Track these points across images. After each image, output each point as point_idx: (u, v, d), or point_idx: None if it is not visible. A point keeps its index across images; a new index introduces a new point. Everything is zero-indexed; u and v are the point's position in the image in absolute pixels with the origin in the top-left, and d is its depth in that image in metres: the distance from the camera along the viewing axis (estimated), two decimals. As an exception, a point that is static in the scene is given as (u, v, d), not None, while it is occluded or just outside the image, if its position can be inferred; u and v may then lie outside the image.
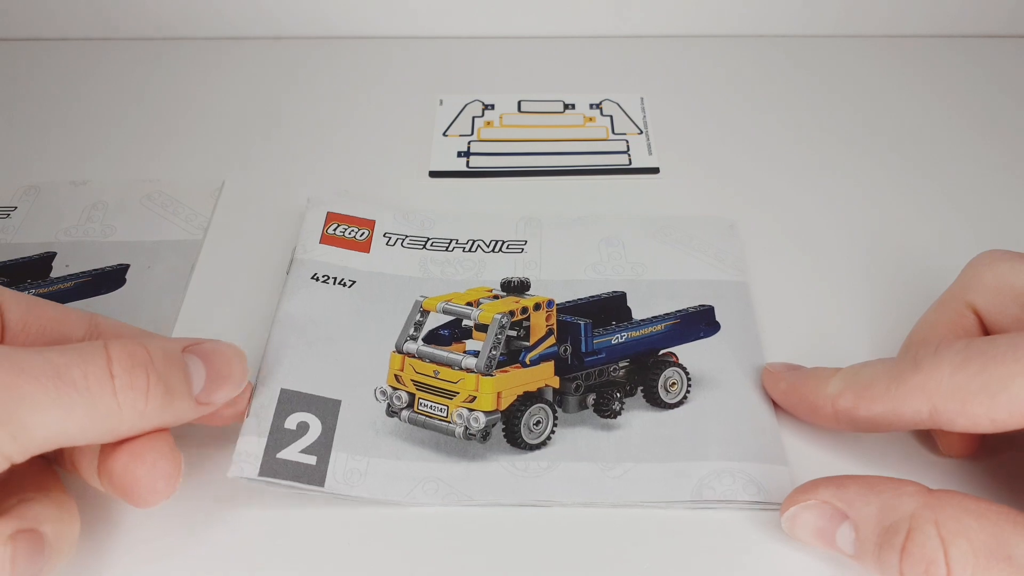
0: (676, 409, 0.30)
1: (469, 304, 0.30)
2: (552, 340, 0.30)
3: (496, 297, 0.31)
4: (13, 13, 0.45)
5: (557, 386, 0.30)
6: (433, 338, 0.31)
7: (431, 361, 0.29)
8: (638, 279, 0.34)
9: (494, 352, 0.29)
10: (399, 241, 0.35)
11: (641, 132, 0.41)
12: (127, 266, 0.34)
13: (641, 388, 0.30)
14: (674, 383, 0.30)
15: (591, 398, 0.30)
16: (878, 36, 0.48)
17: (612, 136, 0.40)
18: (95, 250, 0.35)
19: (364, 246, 0.34)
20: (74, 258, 0.34)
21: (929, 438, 0.29)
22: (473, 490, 0.27)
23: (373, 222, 0.35)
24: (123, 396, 0.22)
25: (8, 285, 0.32)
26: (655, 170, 0.39)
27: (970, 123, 0.42)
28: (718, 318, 0.32)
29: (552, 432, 0.29)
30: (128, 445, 0.24)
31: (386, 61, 0.45)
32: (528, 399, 0.29)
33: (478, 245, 0.35)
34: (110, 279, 0.33)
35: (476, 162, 0.39)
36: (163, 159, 0.39)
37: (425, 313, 0.30)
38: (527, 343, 0.30)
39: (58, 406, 0.21)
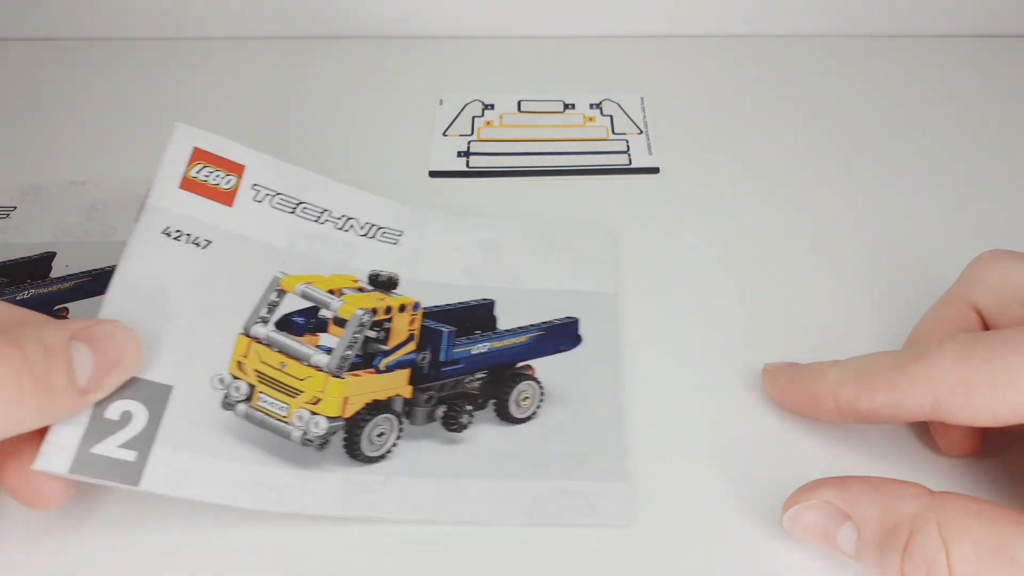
0: (524, 424, 0.29)
1: (331, 292, 0.28)
2: (412, 346, 0.29)
3: (361, 290, 0.29)
4: (12, 13, 0.45)
5: (409, 396, 0.28)
6: (286, 324, 0.28)
7: (280, 351, 0.27)
8: (510, 287, 0.32)
9: (349, 352, 0.27)
10: (268, 198, 0.31)
11: (641, 132, 0.41)
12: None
13: (493, 401, 0.29)
14: (527, 397, 0.29)
15: (441, 410, 0.29)
16: (878, 36, 0.47)
17: (612, 136, 0.40)
18: (96, 250, 0.34)
19: (228, 197, 0.30)
20: (74, 258, 0.34)
21: (929, 437, 0.29)
22: (303, 500, 0.26)
23: (243, 168, 0.31)
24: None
25: (7, 285, 0.32)
26: (655, 170, 0.39)
27: (970, 123, 0.42)
28: (584, 331, 0.31)
29: (394, 445, 0.28)
30: (13, 445, 0.23)
31: (386, 61, 0.45)
32: (376, 408, 0.27)
33: (352, 224, 0.32)
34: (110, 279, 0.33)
35: (476, 162, 0.39)
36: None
37: (282, 293, 0.28)
38: (385, 347, 0.28)
39: None
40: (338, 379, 0.27)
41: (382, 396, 0.27)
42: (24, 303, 0.30)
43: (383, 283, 0.30)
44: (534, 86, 0.43)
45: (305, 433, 0.26)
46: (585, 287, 0.33)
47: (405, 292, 0.30)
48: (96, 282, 0.32)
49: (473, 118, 0.41)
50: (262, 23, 0.45)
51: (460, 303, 0.31)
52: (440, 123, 0.41)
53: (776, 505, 0.25)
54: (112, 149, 0.40)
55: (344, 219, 0.32)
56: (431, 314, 0.30)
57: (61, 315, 0.30)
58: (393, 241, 0.32)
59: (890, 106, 0.43)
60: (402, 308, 0.28)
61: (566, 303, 0.32)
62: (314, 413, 0.26)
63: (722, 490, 0.27)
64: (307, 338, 0.28)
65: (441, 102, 0.42)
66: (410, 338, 0.29)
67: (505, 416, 0.29)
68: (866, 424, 0.28)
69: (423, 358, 0.29)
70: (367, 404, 0.27)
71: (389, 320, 0.28)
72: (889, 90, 0.44)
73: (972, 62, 0.46)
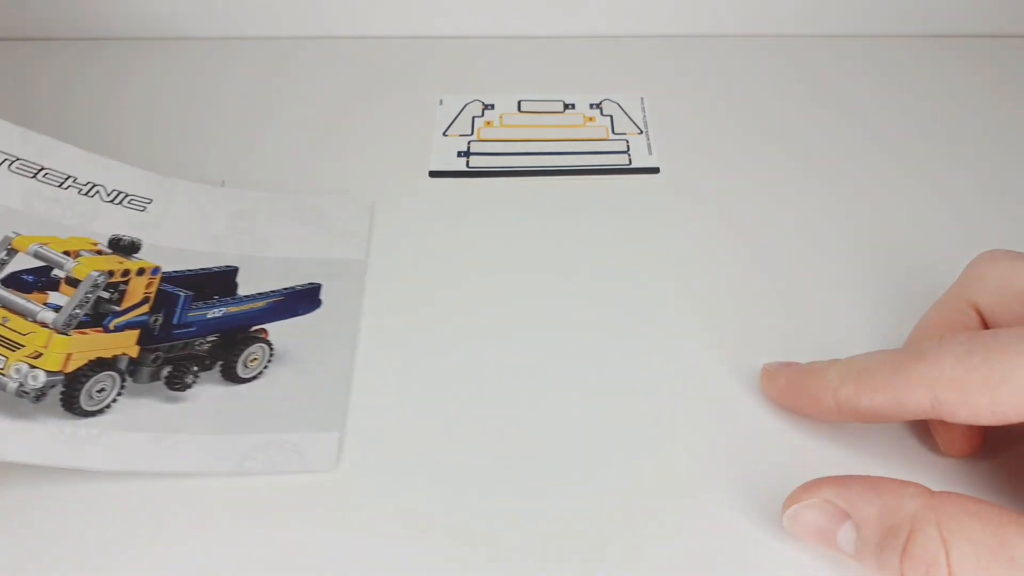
0: (248, 384, 0.29)
1: (67, 254, 0.28)
2: (145, 309, 0.29)
3: (100, 252, 0.30)
4: (12, 13, 0.45)
5: (136, 356, 0.29)
6: (14, 281, 0.28)
7: (3, 306, 0.27)
8: (258, 255, 0.33)
9: (78, 311, 0.27)
10: (6, 163, 0.31)
11: (641, 132, 0.40)
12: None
13: (221, 363, 0.30)
14: (255, 359, 0.30)
15: (166, 370, 0.29)
16: (878, 36, 0.47)
17: (612, 136, 0.40)
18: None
19: None
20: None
21: (929, 437, 0.28)
22: (11, 449, 0.26)
23: None
24: None
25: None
26: (655, 170, 0.39)
27: (970, 123, 0.42)
28: (328, 296, 0.32)
29: (114, 401, 0.28)
30: None
31: (386, 61, 0.46)
32: (99, 365, 0.28)
33: (98, 191, 0.33)
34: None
35: (476, 162, 0.39)
36: (162, 159, 0.39)
37: (12, 252, 0.28)
38: (118, 308, 0.29)
39: None
40: (63, 335, 0.27)
41: (107, 354, 0.28)
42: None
43: (124, 247, 0.30)
44: (534, 86, 0.43)
45: (21, 385, 0.27)
46: (335, 255, 0.34)
47: (147, 257, 0.31)
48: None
49: (473, 118, 0.41)
50: (261, 23, 0.46)
51: (202, 269, 0.32)
52: (440, 123, 0.41)
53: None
54: (110, 149, 0.40)
55: (90, 185, 0.33)
56: (172, 279, 0.31)
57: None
58: (141, 208, 0.33)
59: (890, 106, 0.43)
60: (140, 272, 0.29)
61: (315, 270, 0.33)
62: (33, 367, 0.27)
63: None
64: (35, 296, 0.29)
65: (441, 102, 0.42)
66: (144, 300, 0.29)
67: (231, 376, 0.30)
68: (865, 423, 0.28)
69: (155, 320, 0.29)
70: (90, 361, 0.28)
71: (126, 283, 0.29)
72: (889, 90, 0.44)
73: (972, 62, 0.46)
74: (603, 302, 0.33)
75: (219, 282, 0.32)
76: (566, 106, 0.42)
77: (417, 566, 0.25)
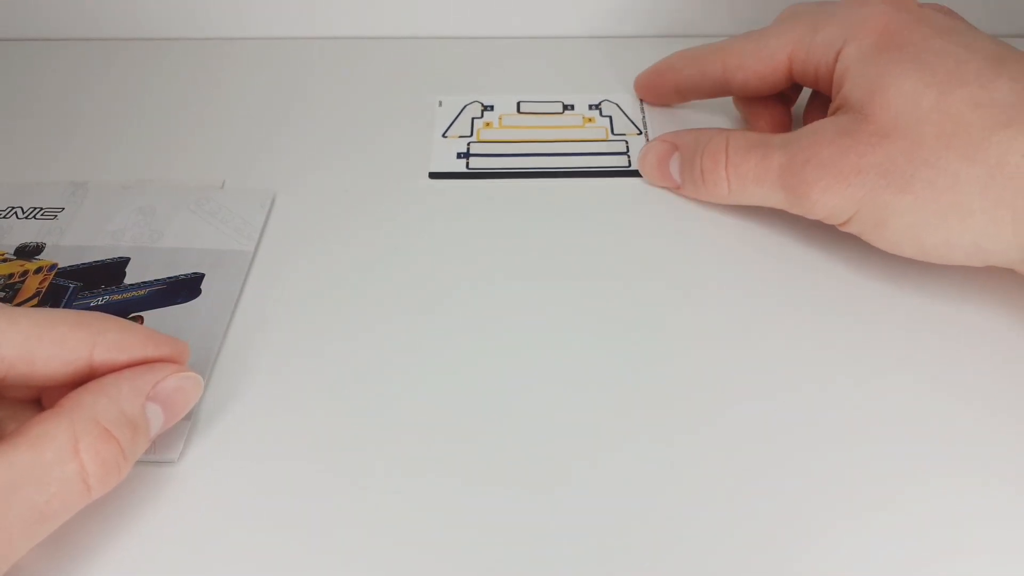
0: None
1: None
2: (34, 302, 0.31)
3: (5, 260, 0.32)
4: (12, 13, 0.45)
5: None
6: None
7: None
8: (150, 246, 0.34)
9: None
10: None
11: (640, 132, 0.40)
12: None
13: None
14: None
15: None
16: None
17: (612, 137, 0.40)
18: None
19: None
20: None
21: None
22: None
23: None
24: (96, 493, 0.23)
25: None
26: (654, 171, 0.39)
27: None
28: (211, 286, 0.32)
29: None
30: None
31: (384, 62, 0.45)
32: None
33: (15, 212, 0.35)
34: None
35: (476, 163, 0.39)
36: (161, 160, 0.39)
37: None
38: (10, 304, 0.30)
39: (42, 534, 0.23)
40: None
41: None
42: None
43: (28, 251, 0.33)
44: (533, 87, 0.43)
45: None
46: (226, 246, 0.34)
47: (49, 256, 0.33)
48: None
49: (472, 119, 0.41)
50: (261, 24, 0.46)
51: (95, 261, 0.33)
52: (440, 124, 0.41)
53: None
54: (109, 150, 0.40)
55: (8, 209, 0.36)
56: (65, 273, 0.33)
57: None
58: (52, 217, 0.35)
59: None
60: (38, 270, 0.32)
61: (204, 260, 0.34)
62: None
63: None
64: None
65: (440, 103, 0.42)
66: (36, 294, 0.32)
67: None
68: (692, 100, 0.40)
69: (38, 308, 0.31)
70: None
71: (22, 281, 0.32)
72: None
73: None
74: (595, 306, 0.32)
75: (108, 273, 0.33)
76: (565, 107, 0.42)
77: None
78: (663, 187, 0.36)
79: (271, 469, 0.27)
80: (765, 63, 0.34)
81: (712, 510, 0.26)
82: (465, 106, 0.42)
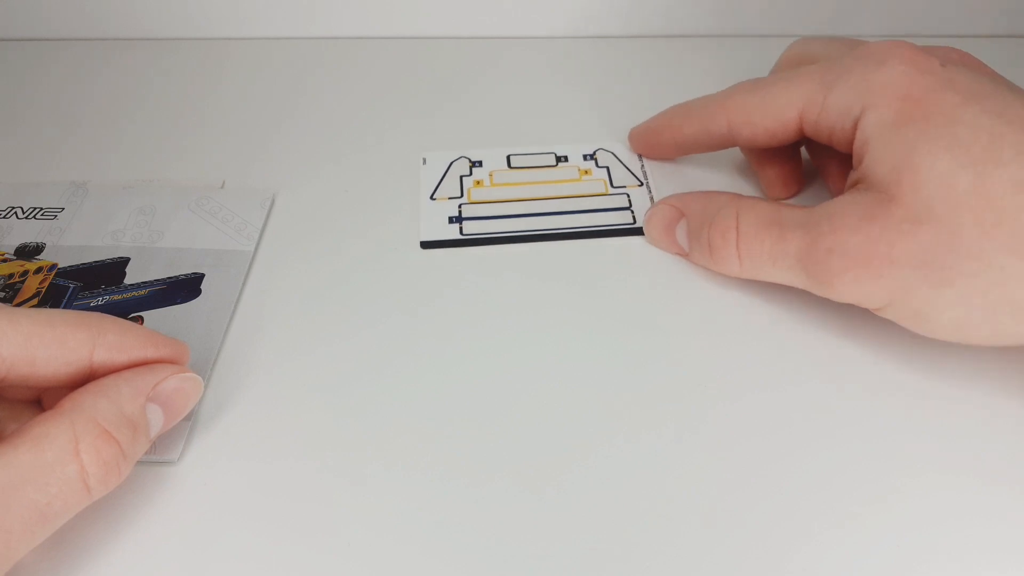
0: None
1: None
2: (34, 302, 0.31)
3: (5, 260, 0.33)
4: (12, 13, 0.45)
5: None
6: None
7: None
8: (150, 246, 0.34)
9: None
10: None
11: (642, 183, 0.37)
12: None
13: None
14: None
15: None
16: (881, 36, 0.47)
17: (612, 190, 0.37)
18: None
19: None
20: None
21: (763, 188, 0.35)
22: None
23: None
24: (97, 494, 0.23)
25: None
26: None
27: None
28: (211, 286, 0.32)
29: None
30: None
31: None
32: None
33: (15, 212, 0.35)
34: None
35: (470, 228, 0.35)
36: (161, 160, 0.39)
37: None
38: (10, 304, 0.30)
39: (42, 535, 0.23)
40: None
41: None
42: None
43: (28, 252, 0.33)
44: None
45: None
46: (226, 246, 0.34)
47: (49, 256, 0.33)
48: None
49: (461, 177, 0.37)
50: (261, 24, 0.46)
51: (95, 261, 0.33)
52: (426, 185, 0.37)
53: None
54: (108, 150, 0.40)
55: (8, 209, 0.36)
56: (66, 272, 0.33)
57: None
58: (52, 217, 0.35)
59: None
60: (38, 270, 0.32)
61: (202, 260, 0.34)
62: None
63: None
64: None
65: (424, 160, 0.38)
66: (36, 294, 0.32)
67: None
68: (695, 152, 0.36)
69: (39, 308, 0.31)
70: None
71: (22, 281, 0.32)
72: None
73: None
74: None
75: (109, 272, 0.33)
76: (558, 159, 0.38)
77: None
78: (671, 253, 0.34)
79: (271, 469, 0.27)
80: (774, 119, 0.31)
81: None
82: (451, 163, 0.38)
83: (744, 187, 0.37)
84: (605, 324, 0.31)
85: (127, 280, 0.33)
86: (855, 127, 0.28)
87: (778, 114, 0.31)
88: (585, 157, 0.38)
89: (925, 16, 0.46)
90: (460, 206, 0.36)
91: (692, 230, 0.32)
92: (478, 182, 0.37)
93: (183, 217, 0.36)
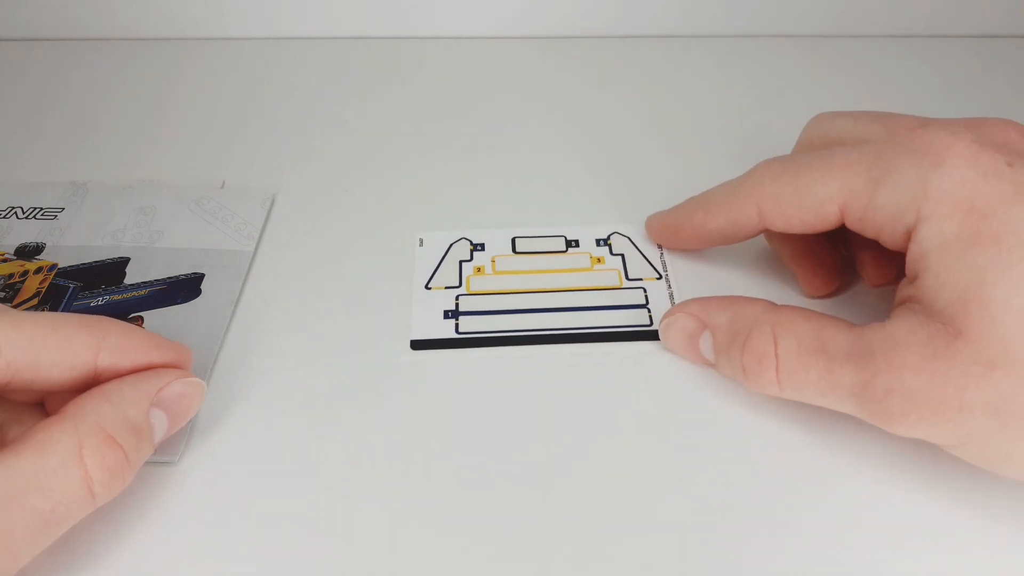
0: None
1: None
2: (34, 302, 0.31)
3: (5, 260, 0.33)
4: (12, 13, 0.45)
5: None
6: None
7: None
8: (150, 246, 0.34)
9: None
10: None
11: (660, 277, 0.33)
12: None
13: None
14: None
15: None
16: (881, 36, 0.47)
17: (627, 283, 0.33)
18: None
19: None
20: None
21: (796, 283, 0.32)
22: None
23: None
24: (100, 500, 0.23)
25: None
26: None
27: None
28: (212, 286, 0.32)
29: None
30: None
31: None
32: None
33: (15, 212, 0.35)
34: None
35: (467, 325, 0.31)
36: (161, 160, 0.39)
37: None
38: (10, 304, 0.30)
39: (46, 541, 0.22)
40: None
41: None
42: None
43: (29, 252, 0.33)
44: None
45: None
46: (226, 246, 0.34)
47: (49, 256, 0.33)
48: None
49: (460, 263, 0.33)
50: (261, 24, 0.46)
51: (95, 261, 0.33)
52: (421, 270, 0.33)
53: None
54: (108, 150, 0.40)
55: (8, 209, 0.36)
56: (66, 273, 0.33)
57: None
58: (53, 217, 0.35)
59: (890, 107, 0.43)
60: (39, 270, 0.32)
61: (204, 260, 0.34)
62: None
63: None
64: None
65: (421, 242, 0.35)
66: (36, 295, 0.32)
67: None
68: (722, 245, 0.32)
69: (42, 311, 0.31)
70: None
71: (22, 281, 0.32)
72: (892, 91, 0.44)
73: (973, 62, 0.46)
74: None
75: (109, 272, 0.33)
76: (569, 243, 0.34)
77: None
78: (693, 363, 0.30)
79: (271, 469, 0.27)
80: (811, 213, 0.27)
81: None
82: (451, 245, 0.34)
83: (776, 281, 0.33)
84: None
85: (127, 280, 0.33)
86: (908, 236, 0.25)
87: (816, 208, 0.27)
88: (598, 242, 0.34)
89: (925, 16, 0.46)
90: (457, 298, 0.32)
91: (720, 346, 0.28)
92: (478, 269, 0.33)
93: (183, 217, 0.36)
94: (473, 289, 0.33)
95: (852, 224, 0.27)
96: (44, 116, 0.42)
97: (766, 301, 0.27)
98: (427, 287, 0.33)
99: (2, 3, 0.46)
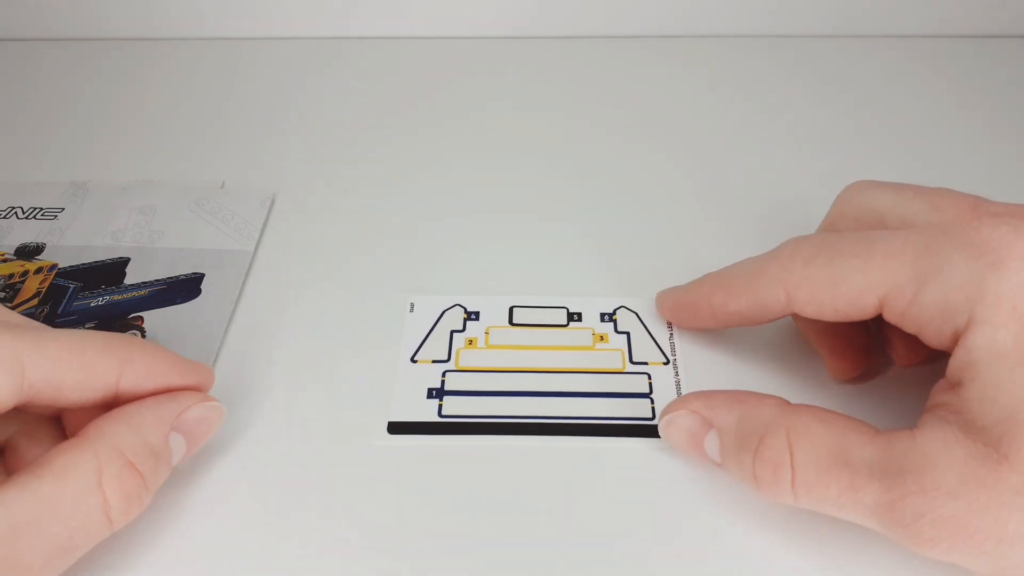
0: None
1: None
2: (35, 302, 0.31)
3: (5, 260, 0.33)
4: (12, 13, 0.45)
5: None
6: None
7: None
8: (150, 246, 0.34)
9: None
10: None
11: (667, 362, 0.30)
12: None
13: None
14: None
15: None
16: (881, 36, 0.47)
17: (630, 367, 0.30)
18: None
19: None
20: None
21: (821, 364, 0.29)
22: None
23: None
24: (117, 526, 0.23)
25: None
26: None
27: (970, 124, 0.42)
28: (211, 286, 0.32)
29: None
30: None
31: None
32: None
33: (15, 212, 0.35)
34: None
35: (452, 407, 0.28)
36: (161, 160, 0.39)
37: None
38: (10, 305, 0.31)
39: (62, 568, 0.22)
40: None
41: None
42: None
43: (29, 252, 0.33)
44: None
45: None
46: (226, 246, 0.34)
47: (50, 256, 0.33)
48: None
49: (452, 333, 0.31)
50: (261, 24, 0.46)
51: (95, 261, 0.33)
52: (409, 339, 0.31)
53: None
54: (108, 149, 0.40)
55: (8, 209, 0.36)
56: (66, 273, 0.33)
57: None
58: (53, 217, 0.35)
59: (893, 107, 0.43)
60: (39, 271, 0.32)
61: (204, 260, 0.34)
62: None
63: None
64: None
65: (412, 307, 0.32)
66: (36, 295, 0.32)
67: None
68: (741, 326, 0.29)
69: (42, 311, 0.31)
70: None
71: (22, 282, 0.32)
72: (895, 91, 0.44)
73: (972, 62, 0.45)
74: None
75: (109, 272, 0.33)
76: (571, 316, 0.32)
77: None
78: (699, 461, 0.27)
79: (270, 469, 0.27)
80: (846, 302, 0.25)
81: None
82: (443, 312, 0.32)
83: (800, 362, 0.30)
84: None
85: (127, 280, 0.33)
86: (955, 338, 0.23)
87: (853, 298, 0.24)
88: (603, 317, 0.31)
89: (925, 16, 0.46)
90: (444, 374, 0.30)
91: (728, 450, 0.25)
92: (470, 341, 0.31)
93: (183, 217, 0.36)
94: (462, 365, 0.30)
95: (891, 318, 0.24)
96: (44, 116, 0.42)
97: (778, 399, 0.25)
98: (413, 360, 0.30)
99: (2, 3, 0.46)
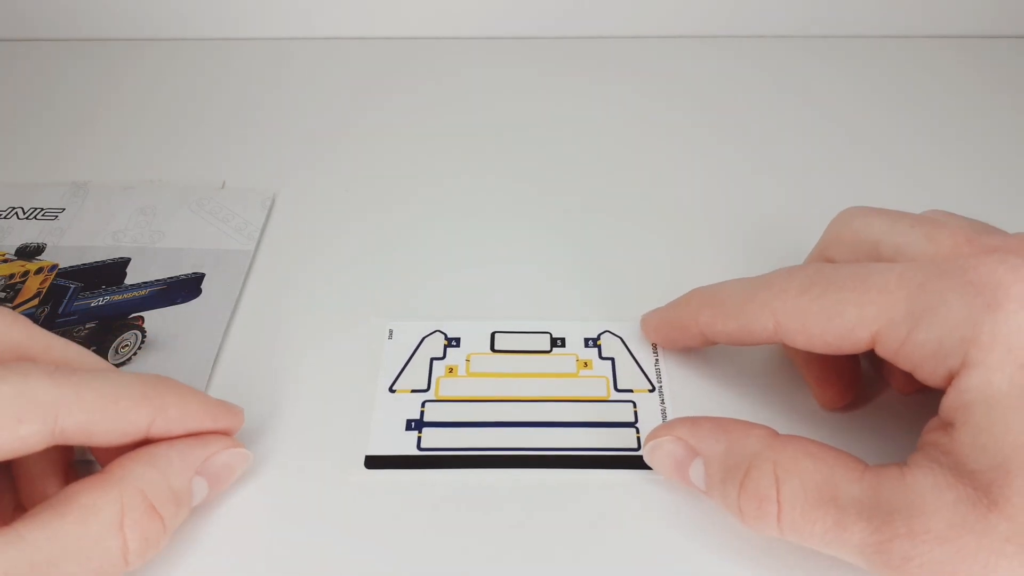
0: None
1: None
2: (35, 302, 0.31)
3: (6, 261, 0.33)
4: (13, 13, 0.45)
5: None
6: None
7: None
8: (151, 246, 0.34)
9: None
10: None
11: (653, 389, 0.29)
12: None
13: (94, 348, 0.30)
14: (126, 345, 0.31)
15: None
16: (880, 35, 0.47)
17: (615, 395, 0.29)
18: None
19: None
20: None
21: (809, 392, 0.29)
22: None
23: None
24: (132, 567, 0.23)
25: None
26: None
27: (970, 124, 0.42)
28: (211, 286, 0.32)
29: None
30: None
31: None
32: None
33: (15, 212, 0.36)
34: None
35: (431, 439, 0.28)
36: (161, 160, 0.39)
37: None
38: (11, 305, 0.31)
39: None
40: None
41: None
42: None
43: (29, 252, 0.33)
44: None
45: None
46: (226, 246, 0.34)
47: (50, 256, 0.34)
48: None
49: (432, 361, 0.30)
50: (261, 24, 0.46)
51: (95, 261, 0.34)
52: (388, 368, 0.30)
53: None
54: (108, 149, 0.40)
55: (8, 209, 0.36)
56: (66, 273, 0.33)
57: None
58: (53, 217, 0.35)
59: (892, 108, 0.43)
60: (39, 271, 0.32)
61: (204, 260, 0.34)
62: None
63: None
64: None
65: (391, 333, 0.31)
66: (37, 295, 0.32)
67: None
68: (729, 345, 0.28)
69: (42, 312, 0.31)
70: None
71: (23, 282, 0.32)
72: (895, 92, 0.44)
73: (972, 62, 0.45)
74: None
75: (109, 272, 0.33)
76: (554, 342, 0.31)
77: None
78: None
79: (270, 470, 0.27)
80: (838, 336, 0.24)
81: None
82: (423, 339, 0.31)
83: (788, 388, 0.29)
84: None
85: (127, 280, 0.33)
86: (949, 378, 0.22)
87: (846, 332, 0.24)
88: (587, 342, 0.31)
89: (924, 16, 0.46)
90: (423, 404, 0.29)
91: (713, 480, 0.24)
92: (451, 369, 0.30)
93: (183, 217, 0.36)
94: (443, 394, 0.29)
95: (885, 354, 0.24)
96: (44, 116, 0.42)
97: (766, 429, 0.24)
98: (391, 390, 0.29)
99: (2, 3, 0.46)
